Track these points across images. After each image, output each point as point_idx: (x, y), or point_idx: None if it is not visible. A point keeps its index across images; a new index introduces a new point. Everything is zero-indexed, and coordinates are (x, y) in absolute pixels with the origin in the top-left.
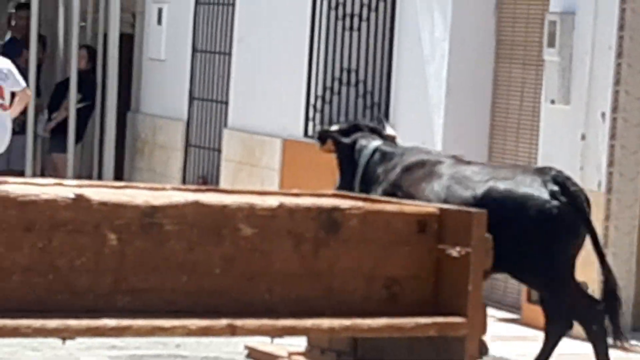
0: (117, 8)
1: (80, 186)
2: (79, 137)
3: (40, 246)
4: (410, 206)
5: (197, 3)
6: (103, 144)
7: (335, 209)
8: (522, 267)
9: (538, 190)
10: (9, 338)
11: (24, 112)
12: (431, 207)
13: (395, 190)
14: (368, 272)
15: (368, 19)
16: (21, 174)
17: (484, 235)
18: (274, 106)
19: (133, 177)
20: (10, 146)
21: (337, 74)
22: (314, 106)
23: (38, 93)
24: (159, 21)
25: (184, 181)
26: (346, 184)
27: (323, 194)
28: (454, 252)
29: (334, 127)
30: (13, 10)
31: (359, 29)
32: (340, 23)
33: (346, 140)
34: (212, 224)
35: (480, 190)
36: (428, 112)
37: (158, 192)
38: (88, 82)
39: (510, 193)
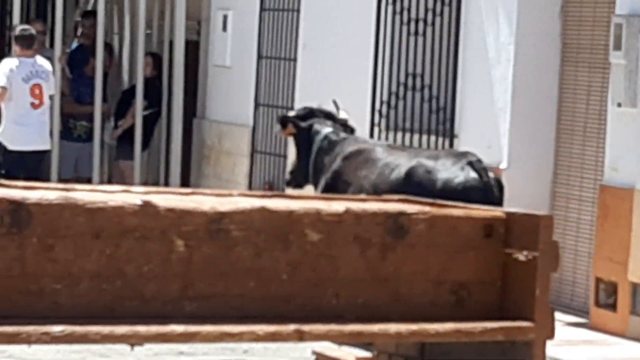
0: (183, 15)
1: (147, 193)
2: (145, 144)
3: (108, 253)
4: (477, 210)
5: (262, 9)
6: (169, 151)
7: (401, 214)
8: None
9: (455, 172)
10: (78, 344)
11: (91, 119)
12: (498, 211)
13: (336, 178)
14: (435, 277)
15: (433, 23)
16: (88, 181)
17: (551, 238)
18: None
19: (199, 184)
20: (78, 153)
21: (402, 78)
22: (379, 111)
23: (104, 101)
24: (224, 28)
25: (250, 187)
26: (302, 166)
27: (389, 199)
28: (521, 256)
29: (292, 113)
30: (79, 19)
31: (424, 34)
32: (405, 28)
33: (303, 124)
34: (278, 230)
35: (403, 170)
36: (494, 117)
37: (225, 198)
38: (154, 89)
39: (430, 174)
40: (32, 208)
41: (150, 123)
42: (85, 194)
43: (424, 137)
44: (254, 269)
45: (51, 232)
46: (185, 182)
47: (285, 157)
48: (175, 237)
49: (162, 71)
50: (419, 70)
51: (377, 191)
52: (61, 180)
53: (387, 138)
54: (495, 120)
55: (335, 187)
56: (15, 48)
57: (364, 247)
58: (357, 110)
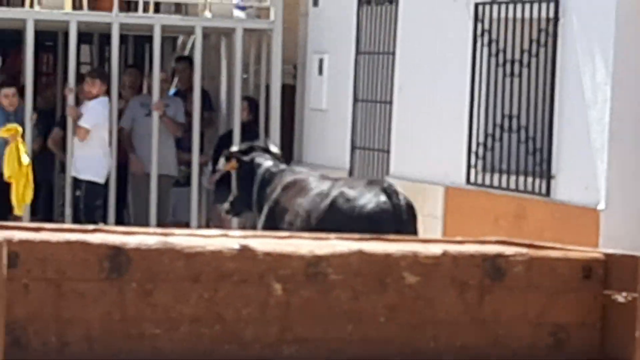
0: (279, 59)
1: (245, 237)
2: None
3: (207, 297)
4: (575, 252)
5: (357, 52)
6: None
7: (499, 256)
8: None
9: (369, 198)
10: None
11: (189, 165)
12: (596, 253)
13: (276, 206)
14: (534, 319)
15: (529, 64)
16: (186, 225)
17: None
18: (435, 154)
19: None
20: (176, 198)
21: (498, 120)
22: (476, 153)
23: (202, 146)
24: (320, 71)
25: None
26: (243, 196)
27: (487, 241)
28: (620, 297)
29: (234, 148)
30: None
31: (520, 75)
32: (500, 69)
33: (246, 158)
34: (376, 273)
35: (329, 199)
36: (591, 157)
37: (322, 241)
38: (251, 133)
39: (349, 202)
40: (131, 253)
41: None
42: (183, 239)
43: (521, 179)
44: (352, 312)
45: (150, 276)
46: None
47: None
48: (273, 281)
49: (258, 115)
50: (515, 111)
51: (310, 217)
52: (160, 224)
53: (483, 180)
54: (592, 161)
55: (275, 213)
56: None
57: (461, 290)
58: (453, 152)
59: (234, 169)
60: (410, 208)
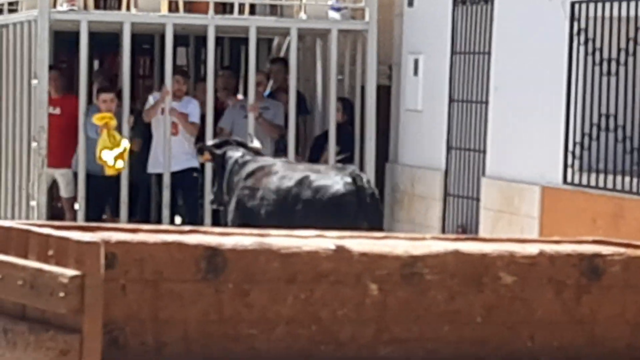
0: (374, 60)
1: (341, 238)
2: None
3: (303, 297)
4: None
5: (452, 53)
6: None
7: (596, 256)
8: None
9: (335, 180)
10: None
11: None
12: None
13: (244, 192)
14: (632, 319)
15: (626, 63)
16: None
17: None
18: (531, 153)
19: (393, 228)
20: None
21: (595, 119)
22: (573, 152)
23: (297, 148)
24: (415, 72)
25: (443, 231)
26: (220, 187)
27: (583, 241)
28: None
29: (210, 142)
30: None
31: (617, 74)
32: (597, 68)
33: (218, 151)
34: (472, 273)
35: (295, 180)
36: None
37: (418, 242)
38: (346, 134)
39: (313, 182)
40: (228, 254)
41: None
42: (279, 240)
43: (618, 178)
44: (448, 313)
45: (247, 277)
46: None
47: (478, 200)
48: (369, 282)
49: (354, 116)
50: (612, 110)
51: (277, 197)
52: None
53: (580, 179)
54: None
55: (244, 198)
56: None
57: (558, 289)
58: (550, 152)
59: (208, 161)
60: (373, 193)
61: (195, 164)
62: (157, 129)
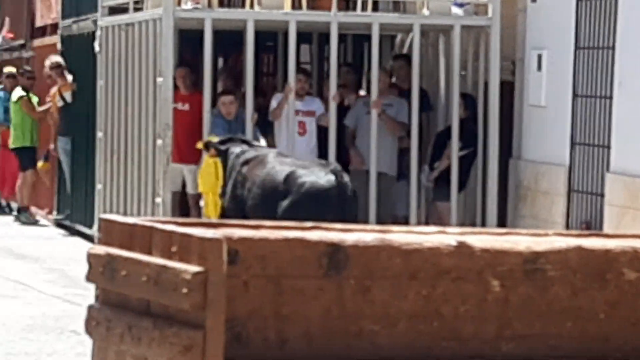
0: (497, 56)
1: (462, 234)
2: (461, 185)
3: (425, 294)
4: None
5: (576, 48)
6: (485, 192)
7: None
8: None
9: (319, 176)
10: None
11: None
12: None
13: (240, 178)
14: None
15: None
16: (405, 220)
17: None
18: None
19: (516, 224)
20: (393, 191)
21: None
22: None
23: (420, 144)
24: (539, 67)
25: (567, 227)
26: (224, 182)
27: None
28: None
29: (215, 139)
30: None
31: None
32: None
33: (222, 147)
34: (595, 269)
35: (283, 174)
36: None
37: (540, 237)
38: (468, 130)
39: (300, 176)
40: (350, 250)
41: (466, 164)
42: (401, 236)
43: None
44: (571, 309)
45: (368, 273)
46: (501, 223)
47: (602, 195)
48: (491, 278)
49: (476, 112)
50: None
51: (265, 185)
52: (380, 222)
53: None
54: None
55: (238, 184)
56: None
57: None
58: None
59: (213, 157)
60: (353, 190)
61: None
62: (282, 128)
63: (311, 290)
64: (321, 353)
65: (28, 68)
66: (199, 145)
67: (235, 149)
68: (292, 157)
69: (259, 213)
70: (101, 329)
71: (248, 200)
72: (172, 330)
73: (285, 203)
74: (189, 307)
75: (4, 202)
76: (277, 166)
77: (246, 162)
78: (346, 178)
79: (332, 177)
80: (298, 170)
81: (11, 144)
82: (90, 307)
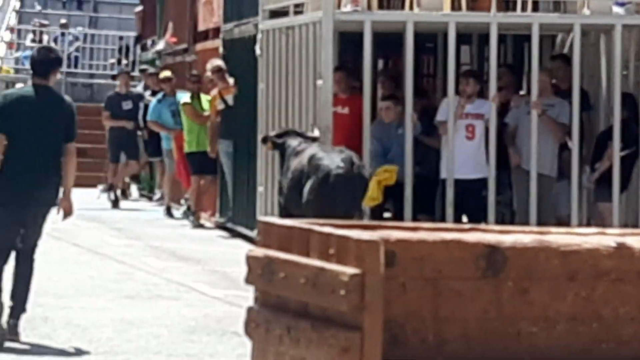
0: None
1: (622, 235)
2: (623, 186)
3: (584, 295)
4: None
5: None
6: None
7: None
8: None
9: (337, 162)
10: None
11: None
12: None
13: (289, 167)
14: None
15: None
16: (566, 220)
17: None
18: None
19: None
20: (553, 192)
21: None
22: None
23: (580, 144)
24: None
25: None
26: (282, 175)
27: None
28: None
29: (272, 133)
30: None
31: None
32: None
33: (279, 140)
34: None
35: (306, 158)
36: None
37: None
38: (629, 130)
39: (318, 160)
40: (507, 252)
41: (627, 164)
42: (559, 237)
43: None
44: None
45: (526, 275)
46: None
47: None
48: None
49: (637, 112)
50: None
51: (296, 171)
52: (541, 224)
53: None
54: None
55: (289, 170)
56: None
57: None
58: None
59: (271, 150)
60: (363, 177)
61: (484, 174)
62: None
63: (469, 292)
64: (479, 355)
65: (194, 72)
66: (266, 149)
67: (292, 142)
68: (328, 147)
69: (294, 196)
70: (260, 331)
71: (285, 184)
72: (330, 332)
73: (307, 187)
74: (347, 308)
75: (174, 207)
76: (308, 153)
77: (296, 153)
78: (356, 166)
79: (347, 164)
80: (317, 155)
81: (185, 149)
82: (249, 309)
